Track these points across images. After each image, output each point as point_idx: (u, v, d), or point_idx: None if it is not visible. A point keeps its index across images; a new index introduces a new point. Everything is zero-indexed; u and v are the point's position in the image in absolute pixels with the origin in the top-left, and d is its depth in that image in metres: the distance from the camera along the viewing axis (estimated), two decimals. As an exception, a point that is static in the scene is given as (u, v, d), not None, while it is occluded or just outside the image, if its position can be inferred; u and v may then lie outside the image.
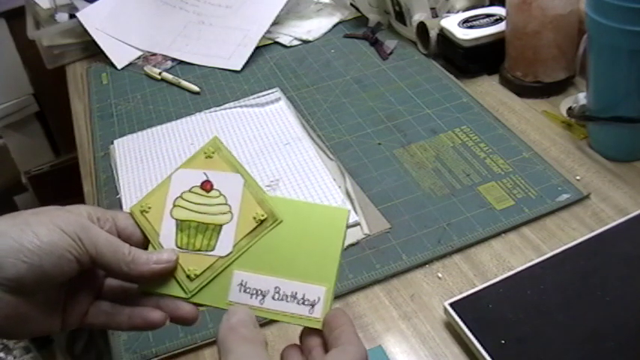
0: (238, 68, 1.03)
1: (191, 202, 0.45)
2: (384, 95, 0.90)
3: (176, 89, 1.00)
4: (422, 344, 0.56)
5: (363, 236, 0.67)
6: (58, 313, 0.41)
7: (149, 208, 0.45)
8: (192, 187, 0.45)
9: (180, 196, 0.45)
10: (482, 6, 0.96)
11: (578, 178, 0.70)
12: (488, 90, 0.88)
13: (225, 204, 0.45)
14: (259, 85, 0.98)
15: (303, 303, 0.42)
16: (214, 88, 0.99)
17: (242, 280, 0.43)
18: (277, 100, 0.92)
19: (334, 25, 1.12)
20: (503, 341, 0.52)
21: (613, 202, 0.67)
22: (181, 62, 1.07)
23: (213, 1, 1.16)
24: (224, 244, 0.44)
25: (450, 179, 0.73)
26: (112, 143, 0.89)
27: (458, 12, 0.96)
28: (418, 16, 0.97)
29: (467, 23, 0.90)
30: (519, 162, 0.73)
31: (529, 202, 0.68)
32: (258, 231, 0.44)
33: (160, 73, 1.03)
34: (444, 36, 0.92)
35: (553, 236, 0.64)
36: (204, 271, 0.43)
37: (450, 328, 0.57)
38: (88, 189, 0.83)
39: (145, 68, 1.06)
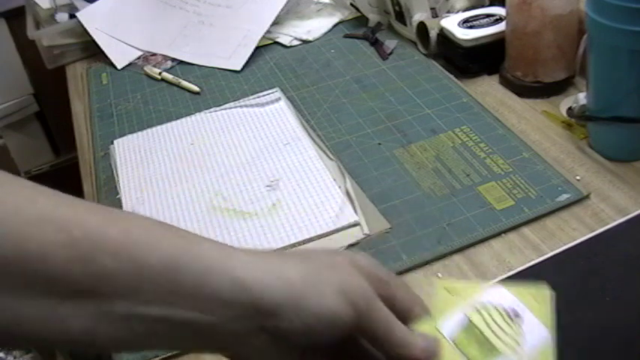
0: (238, 68, 1.03)
1: (491, 317, 0.44)
2: (384, 95, 0.90)
3: (176, 89, 1.00)
4: (422, 344, 0.56)
5: (363, 236, 0.67)
6: None
7: (455, 292, 0.45)
8: (501, 307, 0.45)
9: (486, 306, 0.44)
10: (483, 6, 0.96)
11: (578, 178, 0.70)
12: (488, 90, 0.88)
13: (518, 344, 0.43)
14: (259, 85, 0.97)
15: None
16: (214, 88, 0.99)
17: None
18: (277, 100, 0.92)
19: (334, 25, 1.12)
20: (503, 341, 0.52)
21: (613, 202, 0.67)
22: (181, 62, 1.07)
23: (213, 1, 1.16)
24: None
25: (450, 179, 0.73)
26: (112, 143, 0.88)
27: (458, 12, 0.96)
28: (418, 16, 0.97)
29: (467, 23, 0.90)
30: (519, 162, 0.73)
31: (529, 202, 0.68)
32: None
33: (159, 73, 1.03)
34: (444, 36, 0.92)
35: (553, 236, 0.64)
36: None
37: (450, 328, 0.57)
38: (88, 189, 0.83)
39: (145, 68, 1.06)
